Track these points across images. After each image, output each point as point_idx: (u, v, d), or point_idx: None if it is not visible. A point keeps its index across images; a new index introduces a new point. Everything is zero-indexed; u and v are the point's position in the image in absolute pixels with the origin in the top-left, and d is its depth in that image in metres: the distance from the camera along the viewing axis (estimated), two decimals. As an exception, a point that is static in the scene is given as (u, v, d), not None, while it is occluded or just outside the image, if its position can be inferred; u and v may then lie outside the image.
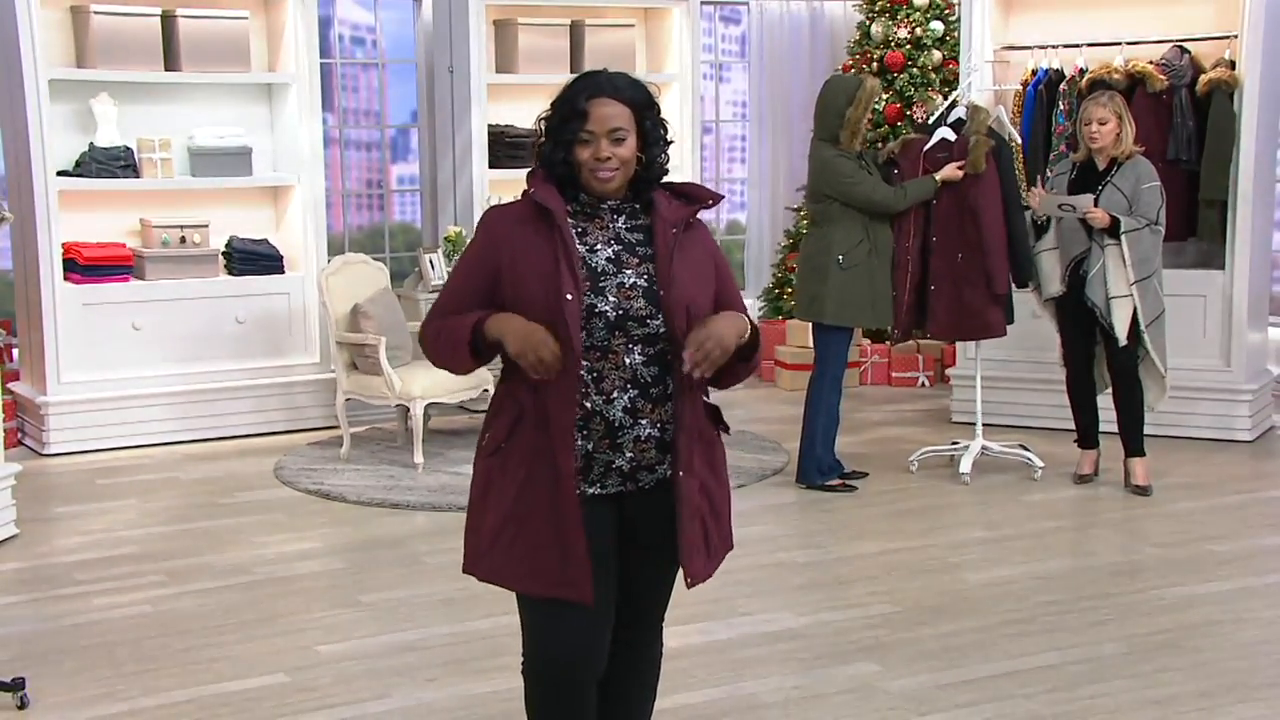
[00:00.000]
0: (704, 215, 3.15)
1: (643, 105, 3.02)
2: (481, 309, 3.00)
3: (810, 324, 6.76)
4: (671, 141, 3.09)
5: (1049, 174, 6.68)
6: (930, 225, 6.47)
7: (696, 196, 3.10)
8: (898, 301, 6.49)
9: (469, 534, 3.13)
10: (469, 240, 3.15)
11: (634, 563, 3.12)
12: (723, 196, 3.26)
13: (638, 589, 3.16)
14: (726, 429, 3.20)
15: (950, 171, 6.40)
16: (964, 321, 6.51)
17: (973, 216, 6.36)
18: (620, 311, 2.94)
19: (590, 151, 2.97)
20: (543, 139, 3.04)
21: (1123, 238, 6.21)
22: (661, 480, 3.04)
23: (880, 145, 6.76)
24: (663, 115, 3.08)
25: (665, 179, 3.10)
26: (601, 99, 2.97)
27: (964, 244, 6.40)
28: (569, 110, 2.98)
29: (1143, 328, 6.30)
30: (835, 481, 6.53)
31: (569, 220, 2.99)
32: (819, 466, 6.50)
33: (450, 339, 3.02)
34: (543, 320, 2.90)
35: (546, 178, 3.02)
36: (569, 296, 2.90)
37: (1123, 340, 6.28)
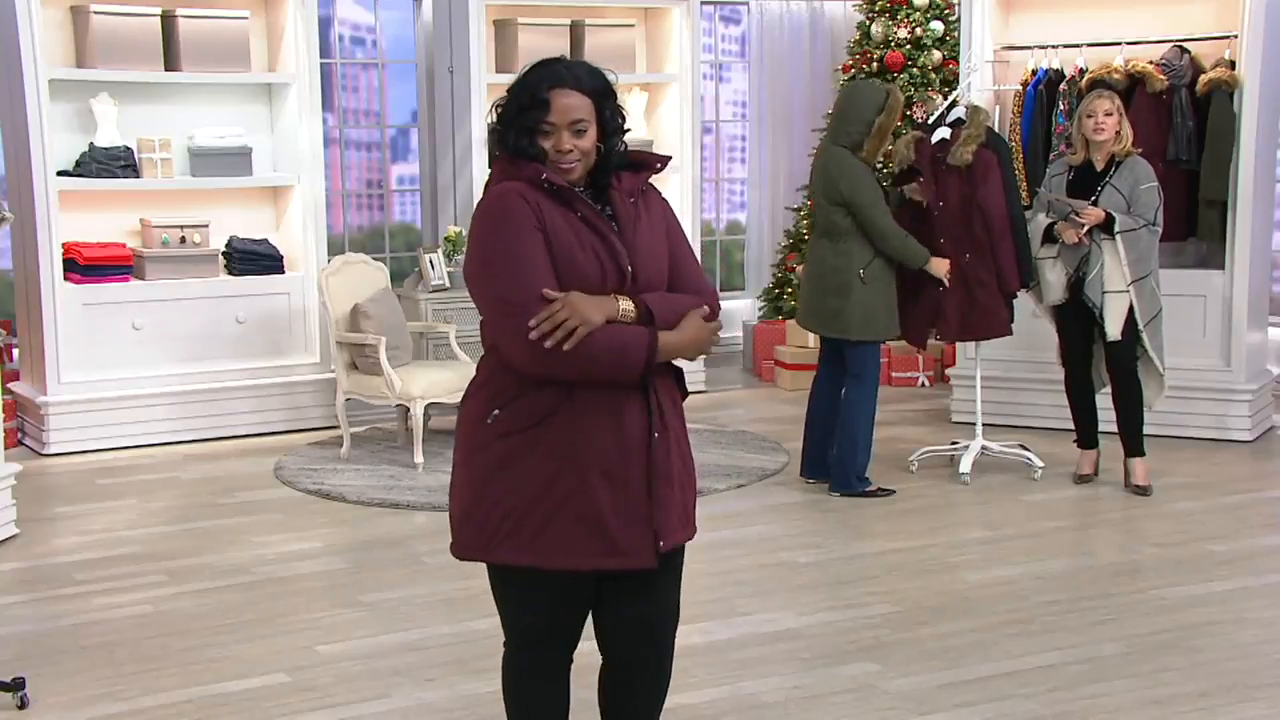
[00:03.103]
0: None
1: (602, 95, 2.99)
2: (552, 278, 2.91)
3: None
4: (629, 129, 3.07)
5: (1046, 174, 6.68)
6: (935, 229, 6.43)
7: (645, 163, 3.09)
8: (912, 307, 6.48)
9: (471, 517, 3.01)
10: (487, 222, 2.95)
11: None
12: (669, 158, 3.24)
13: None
14: (686, 394, 3.17)
15: (940, 264, 6.35)
16: (975, 321, 6.48)
17: (982, 216, 6.36)
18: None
19: (551, 143, 2.95)
20: (499, 126, 2.99)
21: (1118, 237, 6.21)
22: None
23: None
24: (619, 103, 3.05)
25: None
26: (563, 89, 2.93)
27: (971, 245, 6.39)
28: (529, 99, 2.94)
29: (1141, 327, 6.30)
30: (873, 488, 6.50)
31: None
32: (859, 474, 6.47)
33: (612, 353, 2.90)
34: (599, 290, 2.91)
35: (516, 162, 2.96)
36: (629, 268, 2.95)
37: (1113, 336, 6.28)
